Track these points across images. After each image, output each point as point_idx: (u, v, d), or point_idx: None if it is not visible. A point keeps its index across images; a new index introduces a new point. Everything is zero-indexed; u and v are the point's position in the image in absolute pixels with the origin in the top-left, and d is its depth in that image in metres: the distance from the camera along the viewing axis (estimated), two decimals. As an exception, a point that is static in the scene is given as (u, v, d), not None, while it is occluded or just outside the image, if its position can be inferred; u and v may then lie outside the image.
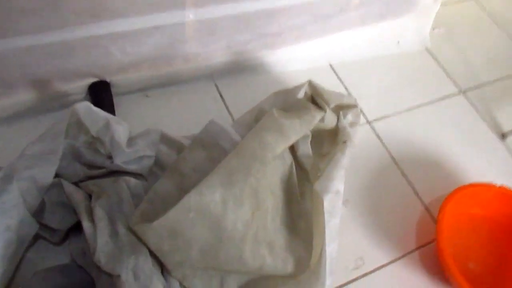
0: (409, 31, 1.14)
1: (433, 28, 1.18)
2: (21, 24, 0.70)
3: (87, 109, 0.71)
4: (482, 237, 0.86)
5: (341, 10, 0.98)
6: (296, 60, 1.03)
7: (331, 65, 1.07)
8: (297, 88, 0.81)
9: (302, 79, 1.00)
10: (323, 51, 1.05)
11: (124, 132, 0.73)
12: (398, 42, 1.13)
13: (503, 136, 1.03)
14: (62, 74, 0.81)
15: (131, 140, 0.74)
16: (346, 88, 1.04)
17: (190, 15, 0.82)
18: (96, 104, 0.84)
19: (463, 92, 1.11)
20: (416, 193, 0.90)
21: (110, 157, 0.70)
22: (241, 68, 0.98)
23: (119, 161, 0.70)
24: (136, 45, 0.82)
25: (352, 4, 0.98)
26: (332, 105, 0.79)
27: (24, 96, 0.81)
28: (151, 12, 0.78)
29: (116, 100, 0.88)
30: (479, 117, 1.07)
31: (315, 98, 0.81)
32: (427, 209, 0.89)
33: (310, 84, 0.82)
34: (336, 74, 1.06)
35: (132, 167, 0.71)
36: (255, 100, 0.95)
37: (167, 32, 0.83)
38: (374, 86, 1.07)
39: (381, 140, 0.96)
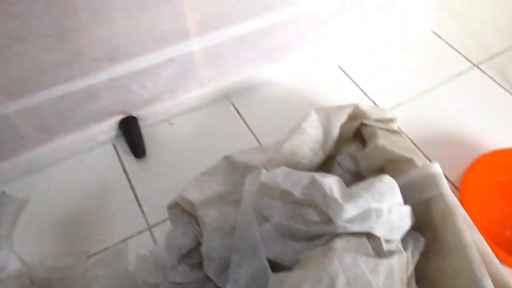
0: (411, 17, 1.16)
1: (437, 10, 1.20)
2: (52, 77, 0.80)
3: (286, 172, 0.66)
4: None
5: (338, 12, 1.03)
6: (304, 67, 1.08)
7: (340, 67, 1.11)
8: (341, 110, 0.81)
9: (313, 85, 1.06)
10: (328, 53, 1.10)
11: (335, 183, 0.64)
12: (403, 31, 1.16)
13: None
14: (93, 116, 0.91)
15: (350, 192, 0.63)
16: (357, 85, 1.07)
17: (196, 43, 0.90)
18: (127, 137, 0.94)
19: (476, 65, 1.11)
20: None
21: (323, 221, 0.62)
22: (253, 84, 1.05)
23: (339, 220, 0.59)
24: (153, 79, 0.91)
25: (348, 4, 1.03)
26: (376, 122, 0.80)
27: (65, 140, 0.92)
28: (160, 47, 0.87)
29: (144, 132, 0.97)
30: (497, 86, 1.06)
31: (361, 121, 0.81)
32: (453, 185, 0.89)
33: (356, 107, 0.81)
34: (346, 74, 1.10)
35: (357, 226, 0.59)
36: (272, 112, 1.02)
37: (179, 62, 0.91)
38: (385, 77, 1.09)
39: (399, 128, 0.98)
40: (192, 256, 0.77)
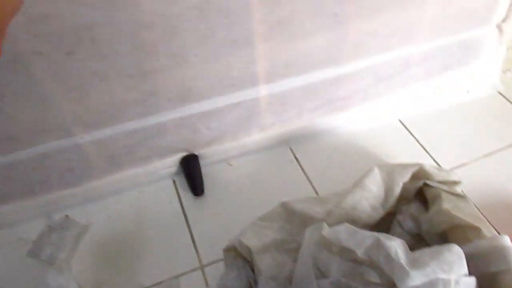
0: (477, 78, 1.15)
1: (504, 71, 1.18)
2: (127, 113, 0.85)
3: (349, 230, 0.66)
4: None
5: (404, 68, 1.04)
6: (365, 120, 1.09)
7: (400, 121, 1.11)
8: (404, 168, 0.80)
9: (373, 138, 1.06)
10: (391, 108, 1.10)
11: (400, 247, 0.62)
12: (468, 90, 1.15)
13: None
14: (158, 151, 0.95)
15: (416, 258, 0.61)
16: (418, 141, 1.06)
17: (263, 90, 0.93)
18: (188, 175, 0.97)
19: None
20: None
21: (384, 284, 0.61)
22: (313, 132, 1.06)
23: (404, 286, 0.57)
24: (218, 120, 0.94)
25: (414, 61, 1.04)
26: (442, 185, 0.79)
27: (129, 172, 0.96)
28: (230, 91, 0.90)
29: (203, 170, 0.99)
30: None
31: (425, 181, 0.80)
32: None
33: (420, 167, 0.80)
34: (407, 129, 1.09)
35: None
36: (329, 161, 1.02)
37: (244, 107, 0.94)
38: (448, 136, 1.08)
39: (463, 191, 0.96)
40: (244, 301, 0.77)
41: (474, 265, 0.66)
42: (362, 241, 0.63)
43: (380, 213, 0.79)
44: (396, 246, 0.61)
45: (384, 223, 0.82)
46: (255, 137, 1.02)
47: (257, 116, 0.98)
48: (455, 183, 0.83)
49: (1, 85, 0.71)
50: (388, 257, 0.59)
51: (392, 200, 0.78)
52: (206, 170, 1.00)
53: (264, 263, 0.74)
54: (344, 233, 0.65)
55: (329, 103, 1.03)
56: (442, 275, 0.57)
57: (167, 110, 0.88)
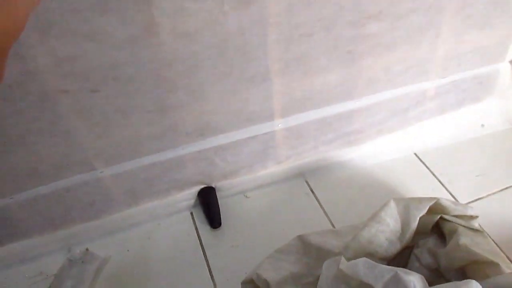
0: (492, 112, 1.16)
1: (520, 107, 1.19)
2: (146, 147, 0.87)
3: (367, 264, 0.65)
4: None
5: (418, 103, 1.05)
6: (380, 153, 1.10)
7: (416, 154, 1.12)
8: (421, 203, 0.80)
9: (388, 171, 1.07)
10: (406, 142, 1.11)
11: (419, 283, 0.62)
12: (483, 125, 1.16)
13: None
14: (176, 184, 0.97)
15: None
16: (434, 175, 1.07)
17: (279, 124, 0.95)
18: (205, 207, 0.99)
19: None
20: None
21: None
22: (328, 165, 1.07)
23: None
24: (235, 154, 0.96)
25: (428, 96, 1.05)
26: (458, 220, 0.79)
27: (148, 205, 0.98)
28: (246, 125, 0.92)
29: (220, 202, 1.01)
30: None
31: (442, 216, 0.80)
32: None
33: (436, 201, 0.80)
34: (422, 162, 1.10)
35: None
36: (345, 194, 1.03)
37: (260, 140, 0.96)
38: (463, 169, 1.08)
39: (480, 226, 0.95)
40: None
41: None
42: (380, 276, 0.63)
43: (397, 247, 0.79)
44: (414, 281, 0.61)
45: (401, 258, 0.81)
46: (271, 169, 1.03)
47: (273, 149, 0.99)
48: (472, 217, 0.82)
49: (27, 122, 0.75)
50: (407, 292, 0.59)
51: (409, 234, 0.78)
52: (223, 202, 1.01)
53: (282, 297, 0.74)
54: (362, 267, 0.65)
55: (344, 137, 1.04)
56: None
57: (185, 144, 0.90)
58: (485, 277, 0.68)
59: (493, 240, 0.92)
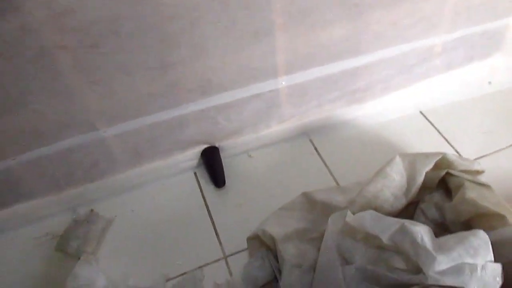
0: (500, 69, 1.14)
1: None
2: (149, 106, 0.86)
3: (374, 217, 0.66)
4: None
5: (425, 59, 1.03)
6: (386, 111, 1.08)
7: (421, 112, 1.10)
8: (427, 158, 0.79)
9: (394, 129, 1.06)
10: (411, 99, 1.09)
11: (426, 233, 0.62)
12: (490, 82, 1.13)
13: None
14: (179, 144, 0.96)
15: (441, 244, 0.61)
16: (439, 132, 1.05)
17: (283, 82, 0.93)
18: (209, 167, 0.98)
19: None
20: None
21: (410, 270, 0.61)
22: (333, 123, 1.06)
23: (430, 271, 0.57)
24: (238, 112, 0.95)
25: (435, 52, 1.03)
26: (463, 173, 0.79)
27: (151, 165, 0.97)
28: (249, 83, 0.91)
29: (224, 162, 1.00)
30: None
31: (448, 171, 0.79)
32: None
33: (442, 156, 0.80)
34: (428, 120, 1.09)
35: (449, 280, 0.57)
36: (350, 152, 1.02)
37: (264, 98, 0.95)
38: (470, 127, 1.07)
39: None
40: (268, 289, 0.78)
41: (499, 252, 0.65)
42: (387, 227, 0.63)
43: (402, 202, 0.78)
44: (421, 231, 0.61)
45: (407, 213, 0.81)
46: (275, 128, 1.02)
47: (277, 107, 0.98)
48: (478, 172, 0.82)
49: (27, 80, 0.73)
50: (414, 242, 0.59)
51: (415, 189, 0.78)
52: (227, 162, 1.01)
53: (288, 252, 0.75)
54: (369, 220, 0.65)
55: (350, 94, 1.02)
56: (468, 260, 0.57)
57: (188, 102, 0.88)
58: (491, 229, 0.68)
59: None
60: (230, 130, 0.98)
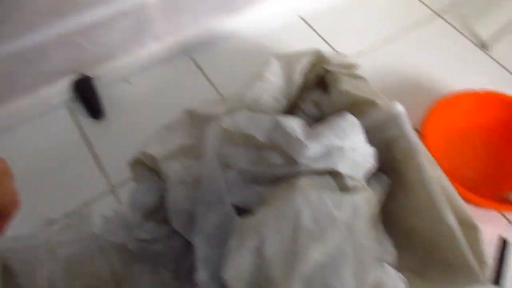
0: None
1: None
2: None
3: (248, 117, 0.65)
4: (476, 146, 0.86)
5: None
6: (265, 20, 1.05)
7: (301, 17, 1.09)
8: (302, 56, 0.78)
9: (275, 37, 1.04)
10: (290, 5, 1.07)
11: (298, 125, 0.62)
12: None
13: (483, 45, 1.03)
14: (44, 77, 0.86)
15: (313, 132, 0.62)
16: (319, 35, 1.05)
17: (147, -6, 0.85)
18: (83, 98, 0.90)
19: (437, 13, 1.11)
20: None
21: (288, 163, 0.60)
22: (213, 37, 1.01)
23: (302, 158, 0.58)
24: (105, 34, 0.86)
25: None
26: (338, 68, 0.79)
27: (17, 104, 0.87)
28: (111, -1, 0.82)
29: (101, 92, 0.92)
30: (458, 34, 1.07)
31: (323, 67, 0.78)
32: (416, 130, 0.89)
33: (317, 53, 0.78)
34: (308, 24, 1.08)
35: (320, 163, 0.58)
36: (234, 65, 0.99)
37: (133, 16, 0.87)
38: (346, 26, 1.08)
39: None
40: (159, 212, 0.75)
41: (373, 135, 0.67)
42: (261, 125, 0.62)
43: (283, 104, 0.78)
44: (294, 124, 0.60)
45: (289, 114, 0.81)
46: (151, 48, 0.95)
47: (148, 24, 0.90)
48: (353, 66, 0.83)
49: None
50: (287, 135, 0.59)
51: (294, 89, 0.78)
52: (104, 92, 0.93)
53: (172, 169, 0.72)
54: (243, 120, 0.63)
55: (225, 4, 0.97)
56: (337, 142, 0.58)
57: (40, 26, 0.78)
58: (364, 115, 0.70)
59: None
60: (99, 55, 0.90)
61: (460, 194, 0.73)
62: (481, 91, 0.84)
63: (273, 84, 0.77)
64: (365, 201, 0.55)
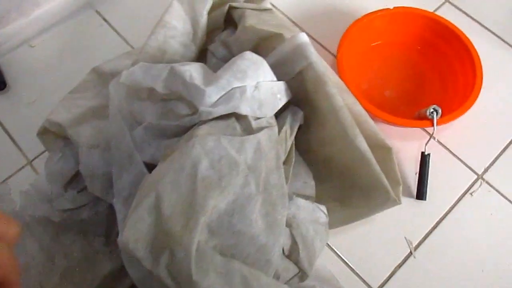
0: None
1: None
2: None
3: (144, 68, 0.60)
4: (394, 65, 0.86)
5: None
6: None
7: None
8: None
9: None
10: None
11: (197, 69, 0.58)
12: None
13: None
14: None
15: (213, 76, 0.58)
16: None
17: None
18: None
19: None
20: (322, 45, 0.90)
21: (193, 113, 0.58)
22: (116, -14, 0.94)
23: (201, 105, 0.55)
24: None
25: None
26: (248, 4, 0.75)
27: None
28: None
29: (1, 62, 0.85)
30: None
31: (230, 5, 0.74)
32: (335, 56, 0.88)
33: None
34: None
35: (220, 110, 0.55)
36: (142, 12, 0.93)
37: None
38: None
39: (277, 9, 0.94)
40: (79, 180, 0.73)
41: (283, 70, 0.66)
42: (158, 75, 0.59)
43: (193, 50, 0.74)
44: (191, 69, 0.57)
45: (201, 60, 0.78)
46: (47, 5, 0.87)
47: (37, -20, 0.82)
48: (262, -1, 0.79)
49: None
50: (185, 83, 0.56)
51: (201, 32, 0.74)
52: (4, 60, 0.86)
53: (83, 134, 0.68)
54: (139, 73, 0.60)
55: None
56: (237, 83, 0.56)
57: None
58: (272, 49, 0.68)
59: (290, 18, 0.92)
60: (-11, 20, 0.82)
61: (380, 117, 0.74)
62: (392, 8, 0.82)
63: (178, 30, 0.72)
64: (269, 138, 0.54)
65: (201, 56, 0.77)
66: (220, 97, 0.55)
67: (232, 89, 0.55)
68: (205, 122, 0.55)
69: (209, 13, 0.75)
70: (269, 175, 0.52)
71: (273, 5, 0.94)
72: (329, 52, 0.89)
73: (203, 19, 0.73)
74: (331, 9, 0.94)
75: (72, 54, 0.88)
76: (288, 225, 0.53)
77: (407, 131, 0.81)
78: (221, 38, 0.76)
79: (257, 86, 0.57)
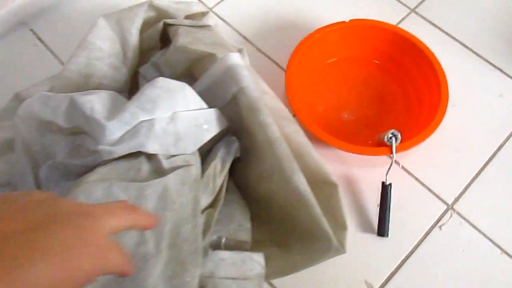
0: None
1: None
2: None
3: (42, 99, 0.52)
4: (352, 83, 0.78)
5: None
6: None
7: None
8: (132, 11, 0.66)
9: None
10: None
11: (100, 100, 0.51)
12: None
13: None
14: None
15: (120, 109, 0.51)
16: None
17: None
18: None
19: None
20: (275, 62, 0.82)
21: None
22: (51, 5, 0.86)
23: (102, 143, 0.48)
24: None
25: None
26: (183, 18, 0.69)
27: None
28: None
29: None
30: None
31: (165, 22, 0.67)
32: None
33: (151, 5, 0.67)
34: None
35: (124, 149, 0.48)
36: (77, 34, 0.85)
37: None
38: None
39: (228, 24, 0.86)
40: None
41: (216, 94, 0.58)
42: (57, 107, 0.51)
43: (124, 72, 0.66)
44: (93, 101, 0.49)
45: (135, 83, 0.70)
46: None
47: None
48: (203, 14, 0.72)
49: None
50: (85, 116, 0.48)
51: (132, 53, 0.66)
52: None
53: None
54: (37, 104, 0.52)
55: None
56: (145, 117, 0.47)
57: None
58: (205, 71, 0.60)
59: (242, 35, 0.84)
60: None
61: (333, 144, 0.66)
62: (348, 21, 0.74)
63: (103, 51, 0.64)
64: (183, 182, 0.46)
65: (135, 79, 0.69)
66: (125, 133, 0.47)
67: (138, 123, 0.47)
68: (106, 162, 0.46)
69: (143, 31, 0.68)
70: (179, 226, 0.43)
71: (223, 20, 0.86)
72: (283, 69, 0.81)
73: (133, 38, 0.65)
74: (286, 22, 0.86)
75: (5, 75, 0.80)
76: (202, 287, 0.45)
77: (367, 157, 0.73)
78: (153, 59, 0.68)
79: (173, 117, 0.49)
